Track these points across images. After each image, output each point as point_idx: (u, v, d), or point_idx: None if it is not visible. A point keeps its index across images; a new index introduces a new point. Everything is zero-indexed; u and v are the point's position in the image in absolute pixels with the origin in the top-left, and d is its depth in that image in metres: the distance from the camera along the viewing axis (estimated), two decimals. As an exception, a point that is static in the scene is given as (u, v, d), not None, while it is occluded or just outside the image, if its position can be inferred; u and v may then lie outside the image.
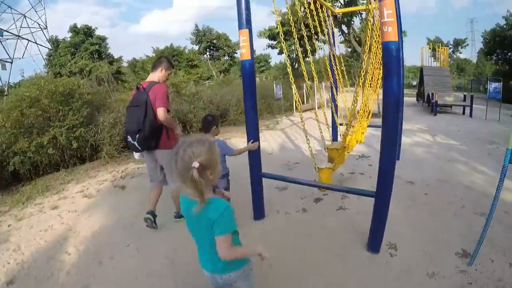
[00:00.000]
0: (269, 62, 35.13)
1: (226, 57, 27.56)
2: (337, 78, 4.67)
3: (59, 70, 16.02)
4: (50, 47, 18.37)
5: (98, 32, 19.42)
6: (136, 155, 2.84)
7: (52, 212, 3.74)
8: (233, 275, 1.31)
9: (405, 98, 18.34)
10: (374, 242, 2.32)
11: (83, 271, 2.42)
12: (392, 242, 2.49)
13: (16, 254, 2.76)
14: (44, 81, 5.48)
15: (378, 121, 9.44)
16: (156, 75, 2.72)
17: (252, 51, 2.36)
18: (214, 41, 26.82)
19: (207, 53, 27.97)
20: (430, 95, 11.34)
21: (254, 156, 2.88)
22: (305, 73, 3.28)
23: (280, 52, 18.18)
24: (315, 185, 2.84)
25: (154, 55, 27.00)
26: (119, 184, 4.58)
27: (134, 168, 5.42)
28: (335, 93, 5.00)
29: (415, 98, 15.45)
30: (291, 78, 2.93)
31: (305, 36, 3.62)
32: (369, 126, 4.79)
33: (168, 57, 3.29)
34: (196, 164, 1.11)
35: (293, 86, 2.83)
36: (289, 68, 3.09)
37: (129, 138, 2.62)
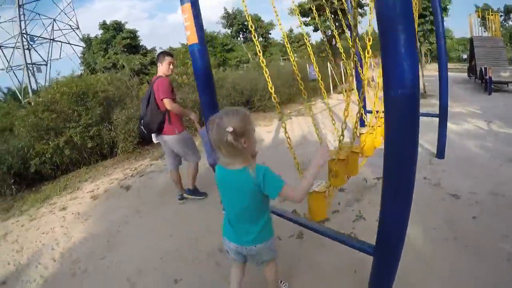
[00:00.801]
0: (309, 41, 33.44)
1: (260, 39, 26.75)
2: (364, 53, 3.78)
3: (94, 66, 17.04)
4: (84, 46, 19.63)
5: (130, 26, 20.27)
6: (154, 139, 3.21)
7: (60, 213, 3.89)
8: (260, 246, 1.39)
9: (455, 74, 15.92)
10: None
11: (56, 281, 2.46)
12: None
13: (17, 255, 2.96)
14: (57, 85, 5.64)
15: (424, 102, 7.83)
16: (160, 70, 3.12)
17: (201, 32, 1.83)
18: (246, 23, 26.14)
19: (241, 36, 27.43)
20: (483, 70, 9.68)
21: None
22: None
23: (315, 30, 16.91)
24: (296, 220, 1.85)
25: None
26: (125, 184, 4.56)
27: (148, 164, 5.41)
28: (361, 72, 4.08)
29: (466, 74, 13.50)
30: (330, 53, 2.95)
31: (338, 9, 3.47)
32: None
33: (164, 50, 3.53)
34: (230, 129, 1.17)
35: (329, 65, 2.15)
36: (326, 45, 3.21)
37: (140, 124, 3.14)
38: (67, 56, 24.89)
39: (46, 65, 23.59)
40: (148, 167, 5.24)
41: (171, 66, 3.12)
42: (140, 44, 20.33)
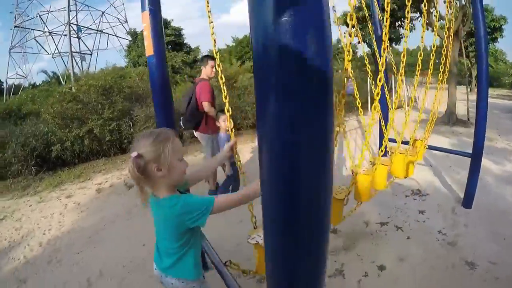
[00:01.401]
0: (356, 53, 32.03)
1: None
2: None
3: (137, 60, 18.03)
4: (130, 39, 20.96)
5: (177, 24, 21.49)
6: (195, 134, 3.61)
7: (65, 200, 4.12)
8: (175, 282, 1.23)
9: (506, 102, 13.89)
10: None
11: (35, 265, 2.66)
12: None
13: (15, 233, 3.27)
14: (85, 78, 5.95)
15: (465, 132, 6.86)
16: (203, 72, 3.44)
17: (159, 43, 1.68)
18: None
19: None
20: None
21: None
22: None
23: (360, 42, 16.17)
24: (217, 268, 1.46)
25: (234, 44, 27.86)
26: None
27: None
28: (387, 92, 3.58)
29: None
30: (369, 68, 2.83)
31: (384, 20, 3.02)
32: (431, 147, 3.29)
33: (208, 54, 3.84)
34: (134, 154, 1.05)
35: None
36: (366, 59, 2.93)
37: (180, 120, 3.52)
38: (114, 47, 26.98)
39: (91, 54, 25.79)
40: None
41: (214, 69, 3.39)
42: (185, 42, 21.11)
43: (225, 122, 3.20)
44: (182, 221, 1.09)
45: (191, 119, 3.41)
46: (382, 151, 2.21)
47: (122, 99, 6.11)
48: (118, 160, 6.00)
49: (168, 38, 19.67)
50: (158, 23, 1.66)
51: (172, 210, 1.09)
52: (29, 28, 25.99)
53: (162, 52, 1.73)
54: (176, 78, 12.02)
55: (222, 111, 3.28)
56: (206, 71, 3.40)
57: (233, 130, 1.47)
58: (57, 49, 25.10)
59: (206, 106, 3.27)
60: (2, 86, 27.41)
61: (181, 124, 3.54)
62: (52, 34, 25.14)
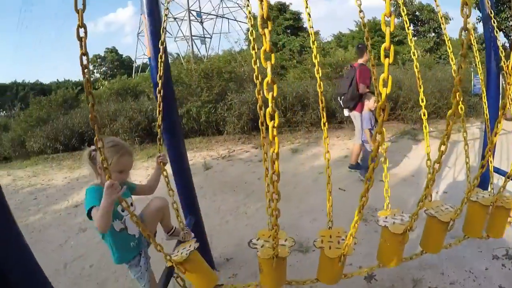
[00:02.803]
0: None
1: (432, 34, 21.78)
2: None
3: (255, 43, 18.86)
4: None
5: (294, 8, 21.60)
6: (345, 112, 4.06)
7: (139, 171, 4.73)
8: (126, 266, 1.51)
9: None
10: None
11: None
12: None
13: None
14: (186, 62, 6.54)
15: None
16: (363, 59, 3.87)
17: (158, 46, 1.69)
18: (417, 13, 21.67)
19: (411, 28, 23.21)
20: None
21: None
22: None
23: (498, 30, 12.03)
24: None
25: (356, 29, 25.89)
26: (210, 164, 4.94)
27: (245, 150, 5.61)
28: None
29: None
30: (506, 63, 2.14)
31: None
32: None
33: (364, 44, 3.71)
34: (93, 147, 1.33)
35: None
36: (501, 51, 2.45)
37: (338, 98, 4.08)
38: (236, 31, 29.52)
39: (211, 38, 29.05)
40: (242, 153, 5.45)
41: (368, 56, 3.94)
42: (304, 26, 20.98)
43: (370, 102, 3.67)
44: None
45: (351, 100, 3.85)
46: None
47: (223, 83, 6.48)
48: (214, 140, 6.48)
49: (287, 22, 20.18)
50: (156, 26, 1.73)
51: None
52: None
53: (161, 54, 1.74)
54: (286, 64, 11.97)
55: (372, 92, 3.67)
56: (365, 58, 3.84)
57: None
58: (181, 33, 29.26)
59: (361, 87, 3.74)
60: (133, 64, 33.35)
61: (341, 103, 4.00)
62: (176, 19, 29.28)
